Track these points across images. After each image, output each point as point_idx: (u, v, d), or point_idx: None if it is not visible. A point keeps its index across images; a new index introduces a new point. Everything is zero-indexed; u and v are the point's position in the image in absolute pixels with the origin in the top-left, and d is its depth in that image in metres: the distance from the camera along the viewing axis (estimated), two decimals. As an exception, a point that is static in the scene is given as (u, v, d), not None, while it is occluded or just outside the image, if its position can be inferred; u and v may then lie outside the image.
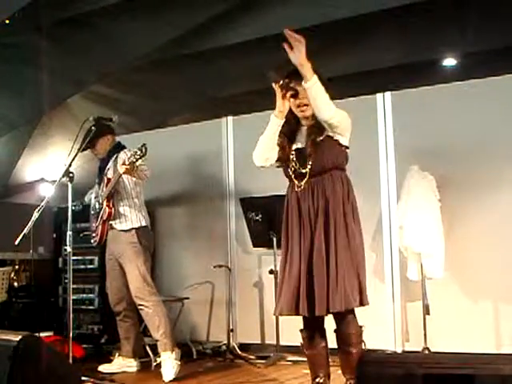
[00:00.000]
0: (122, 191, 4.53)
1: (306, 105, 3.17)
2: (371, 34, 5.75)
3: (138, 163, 4.14)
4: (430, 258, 4.37)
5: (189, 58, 6.06)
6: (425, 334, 4.42)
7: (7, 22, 4.85)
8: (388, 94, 5.00)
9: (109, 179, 4.50)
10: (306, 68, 2.98)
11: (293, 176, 3.25)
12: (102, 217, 4.53)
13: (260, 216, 4.95)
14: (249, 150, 5.63)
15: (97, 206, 4.62)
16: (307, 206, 3.19)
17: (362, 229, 3.25)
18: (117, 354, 4.71)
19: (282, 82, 3.11)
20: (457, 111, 4.71)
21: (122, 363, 4.64)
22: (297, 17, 5.21)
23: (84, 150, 4.38)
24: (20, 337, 3.00)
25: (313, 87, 2.98)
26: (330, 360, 3.36)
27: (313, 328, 3.29)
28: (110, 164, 4.57)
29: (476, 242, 4.54)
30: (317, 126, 3.18)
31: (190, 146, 5.79)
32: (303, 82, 3.00)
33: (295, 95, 3.15)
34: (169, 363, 4.29)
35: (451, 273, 4.51)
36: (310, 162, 3.18)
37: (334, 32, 5.60)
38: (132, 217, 4.52)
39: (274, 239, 4.90)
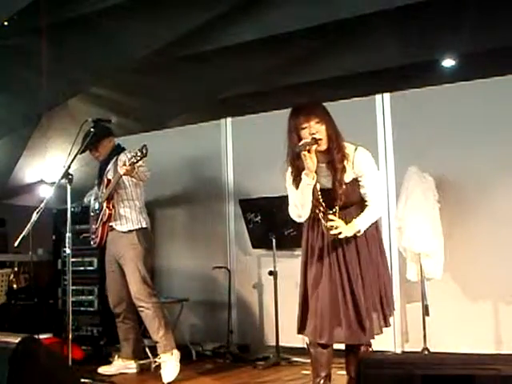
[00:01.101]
0: (122, 192, 4.52)
1: (320, 139, 3.16)
2: (370, 35, 5.75)
3: (138, 164, 4.14)
4: (429, 258, 4.38)
5: (188, 59, 6.06)
6: (424, 335, 4.42)
7: (5, 23, 4.84)
8: (387, 95, 5.01)
9: (109, 180, 4.50)
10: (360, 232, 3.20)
11: (321, 216, 3.25)
12: (101, 218, 4.52)
13: (259, 217, 4.96)
14: (248, 152, 5.66)
15: (96, 208, 4.62)
16: (334, 243, 3.23)
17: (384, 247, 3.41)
18: (116, 356, 4.70)
19: (305, 143, 3.09)
20: (456, 112, 4.72)
21: (122, 365, 4.63)
22: (296, 18, 5.22)
23: (84, 151, 4.39)
24: (19, 339, 3.00)
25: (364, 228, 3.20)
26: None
27: None
28: (111, 165, 4.57)
29: (475, 242, 4.54)
30: (338, 165, 3.18)
31: (190, 148, 5.79)
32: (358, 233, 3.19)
33: (315, 138, 3.13)
34: (169, 365, 4.29)
35: (450, 273, 4.52)
36: (338, 205, 3.21)
37: (333, 33, 5.60)
38: (132, 218, 4.52)
39: (274, 240, 4.90)
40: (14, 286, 6.40)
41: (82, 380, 3.98)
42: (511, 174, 4.49)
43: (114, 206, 4.50)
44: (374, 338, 3.25)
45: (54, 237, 5.82)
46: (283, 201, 4.85)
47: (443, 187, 4.52)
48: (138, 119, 7.20)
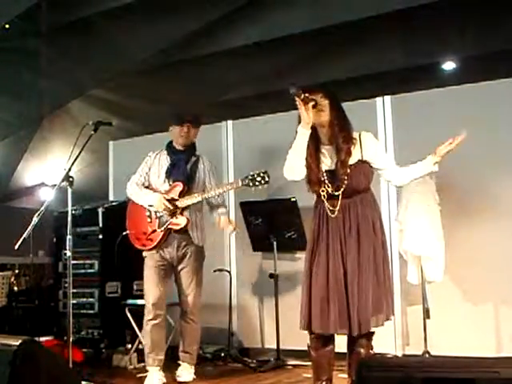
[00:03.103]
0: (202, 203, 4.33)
1: (322, 110, 3.28)
2: (371, 38, 5.76)
3: (253, 188, 3.97)
4: (430, 261, 4.38)
5: (189, 62, 6.07)
6: (425, 338, 4.41)
7: (7, 26, 4.86)
8: (388, 97, 5.01)
9: (186, 181, 4.22)
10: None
11: (325, 198, 3.30)
12: (168, 224, 4.22)
13: (260, 220, 4.95)
14: (248, 154, 5.65)
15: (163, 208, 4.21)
16: (338, 228, 3.27)
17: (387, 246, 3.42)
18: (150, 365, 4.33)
19: (303, 95, 3.20)
20: (456, 115, 4.71)
21: (162, 374, 4.29)
22: (297, 21, 5.24)
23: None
24: (20, 341, 2.99)
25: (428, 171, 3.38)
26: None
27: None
28: (192, 164, 4.30)
29: (476, 245, 4.53)
30: (343, 146, 3.27)
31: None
32: (433, 165, 3.36)
33: (315, 105, 3.23)
34: (188, 372, 4.35)
35: (451, 276, 4.51)
36: (344, 186, 3.26)
37: (334, 36, 5.61)
38: (203, 232, 4.38)
39: (275, 243, 4.90)
40: (15, 288, 6.40)
41: (83, 382, 3.97)
42: (512, 176, 4.50)
43: (189, 215, 4.23)
44: (369, 329, 3.23)
45: (54, 239, 5.81)
46: (284, 204, 4.87)
47: (444, 190, 4.52)
48: (139, 121, 7.21)
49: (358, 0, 5.05)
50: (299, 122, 3.26)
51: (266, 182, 3.93)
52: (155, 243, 4.25)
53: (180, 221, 4.21)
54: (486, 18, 5.38)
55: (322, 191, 3.29)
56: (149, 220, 4.32)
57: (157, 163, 4.39)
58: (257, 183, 3.93)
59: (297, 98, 3.20)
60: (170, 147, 4.42)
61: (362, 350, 3.28)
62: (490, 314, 4.47)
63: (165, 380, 4.28)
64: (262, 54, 5.86)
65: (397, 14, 5.13)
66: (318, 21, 5.24)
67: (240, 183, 4.02)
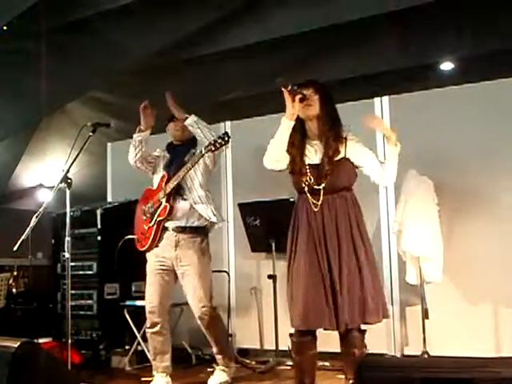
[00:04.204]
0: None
1: (310, 105, 3.29)
2: (369, 38, 5.76)
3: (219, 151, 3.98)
4: (428, 261, 4.38)
5: (188, 62, 6.07)
6: (424, 338, 4.42)
7: (5, 28, 4.85)
8: (386, 98, 5.01)
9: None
10: (394, 137, 3.36)
11: (307, 190, 3.30)
12: (157, 216, 4.15)
13: (258, 221, 4.95)
14: (248, 155, 5.65)
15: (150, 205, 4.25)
16: (319, 225, 3.26)
17: (372, 246, 3.36)
18: (156, 372, 4.22)
19: (290, 87, 3.21)
20: (454, 115, 4.72)
21: (167, 381, 4.18)
22: (295, 21, 5.23)
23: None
24: (19, 343, 2.99)
25: (397, 153, 3.34)
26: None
27: (306, 333, 3.29)
28: (190, 156, 4.21)
29: (474, 245, 4.54)
30: (332, 143, 3.28)
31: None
32: (393, 145, 3.37)
33: (302, 99, 3.24)
34: (215, 377, 4.23)
35: (450, 277, 4.51)
36: (326, 181, 3.25)
37: (332, 36, 5.61)
38: (216, 208, 4.24)
39: (273, 244, 4.89)
40: (14, 290, 6.39)
41: (82, 384, 3.97)
42: (511, 177, 4.50)
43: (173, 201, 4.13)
44: (355, 325, 3.18)
45: (53, 241, 5.82)
46: (282, 204, 4.87)
47: (442, 190, 4.52)
48: (137, 123, 7.19)
49: (356, 0, 5.05)
50: None
51: (227, 142, 3.94)
52: (150, 241, 4.15)
53: (162, 208, 4.11)
54: (484, 19, 5.39)
55: (305, 184, 3.28)
56: (144, 218, 4.27)
57: (160, 162, 4.37)
58: (218, 145, 3.92)
59: (283, 89, 3.21)
60: (169, 145, 4.43)
61: (356, 350, 3.23)
62: (489, 314, 4.47)
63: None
64: (261, 54, 5.86)
65: (394, 15, 5.13)
66: (317, 21, 5.24)
67: (204, 151, 3.96)
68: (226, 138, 3.93)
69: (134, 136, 4.28)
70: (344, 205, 3.28)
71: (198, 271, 4.10)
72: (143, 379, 4.47)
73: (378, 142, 4.96)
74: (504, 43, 5.67)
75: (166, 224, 4.14)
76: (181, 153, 4.28)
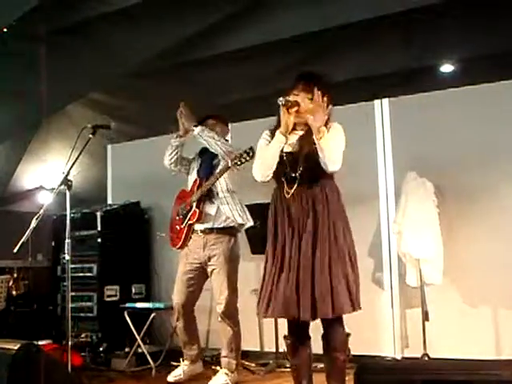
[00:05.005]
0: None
1: (303, 113, 3.20)
2: (369, 41, 5.76)
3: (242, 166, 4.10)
4: (428, 263, 4.37)
5: (189, 64, 6.07)
6: (424, 340, 4.41)
7: (5, 30, 4.86)
8: (386, 100, 5.01)
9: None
10: (321, 131, 3.09)
11: (284, 179, 3.24)
12: (188, 220, 4.41)
13: (258, 223, 4.94)
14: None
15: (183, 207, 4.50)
16: (297, 213, 3.18)
17: (352, 236, 3.24)
18: (182, 360, 4.54)
19: (285, 101, 3.16)
20: (455, 117, 4.72)
21: (191, 368, 4.51)
22: (296, 23, 5.23)
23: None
24: (19, 345, 3.00)
25: (322, 141, 3.08)
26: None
27: (298, 334, 3.27)
28: (218, 159, 4.40)
29: (475, 247, 4.54)
30: (309, 138, 3.18)
31: (190, 154, 5.78)
32: (316, 138, 3.09)
33: (298, 110, 3.19)
34: (219, 378, 4.29)
35: (450, 279, 4.51)
36: (301, 168, 3.18)
37: (332, 38, 5.61)
38: (246, 211, 4.49)
39: (273, 246, 4.88)
40: (14, 292, 6.39)
41: (82, 386, 3.97)
42: (511, 180, 4.50)
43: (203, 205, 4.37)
44: (328, 315, 3.06)
45: (53, 243, 5.82)
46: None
47: (442, 192, 4.52)
48: (138, 125, 7.21)
49: (356, 2, 5.05)
50: (278, 125, 3.23)
51: (252, 157, 3.99)
52: (181, 241, 4.41)
53: (192, 213, 4.35)
54: (485, 21, 5.39)
55: (283, 171, 3.21)
56: (177, 218, 4.51)
57: (193, 164, 4.59)
58: (243, 160, 4.06)
59: (284, 110, 3.17)
60: (201, 150, 4.59)
61: (339, 355, 3.16)
62: (489, 316, 4.47)
63: (186, 369, 4.43)
64: (261, 57, 5.86)
65: (395, 16, 5.13)
66: (317, 23, 5.24)
67: (230, 163, 4.13)
68: (251, 154, 4.03)
69: (171, 141, 4.51)
70: (321, 192, 3.17)
71: (224, 271, 4.31)
72: (173, 363, 4.70)
73: (377, 142, 4.97)
74: (504, 45, 5.67)
75: (195, 227, 4.39)
76: (209, 157, 4.48)
